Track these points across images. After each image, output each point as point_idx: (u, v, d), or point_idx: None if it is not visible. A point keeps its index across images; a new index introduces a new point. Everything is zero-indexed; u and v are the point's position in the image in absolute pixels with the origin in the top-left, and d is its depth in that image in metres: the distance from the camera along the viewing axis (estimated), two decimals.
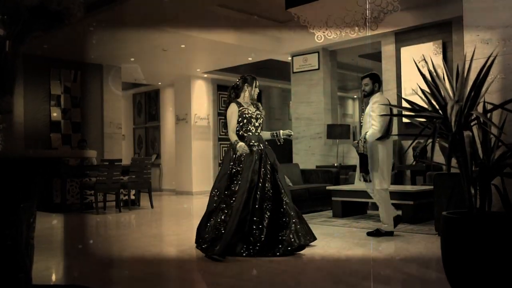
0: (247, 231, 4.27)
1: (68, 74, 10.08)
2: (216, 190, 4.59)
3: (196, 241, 4.60)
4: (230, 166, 4.55)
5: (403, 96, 7.87)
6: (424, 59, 4.10)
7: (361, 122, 5.67)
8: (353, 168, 8.06)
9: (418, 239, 5.00)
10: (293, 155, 9.86)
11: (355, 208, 6.91)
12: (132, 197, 8.91)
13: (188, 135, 12.20)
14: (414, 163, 7.55)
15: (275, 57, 10.50)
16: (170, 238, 5.83)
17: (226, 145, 11.68)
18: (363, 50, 10.08)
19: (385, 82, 8.51)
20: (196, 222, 4.68)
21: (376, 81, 5.17)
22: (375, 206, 5.74)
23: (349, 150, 8.85)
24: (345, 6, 5.92)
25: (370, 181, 5.04)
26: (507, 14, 3.39)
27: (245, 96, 4.77)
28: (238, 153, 4.51)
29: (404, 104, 6.06)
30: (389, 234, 5.11)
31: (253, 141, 4.60)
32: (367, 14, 5.90)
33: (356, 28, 6.15)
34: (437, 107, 3.04)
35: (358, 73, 8.72)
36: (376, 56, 9.69)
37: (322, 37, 6.54)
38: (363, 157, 5.02)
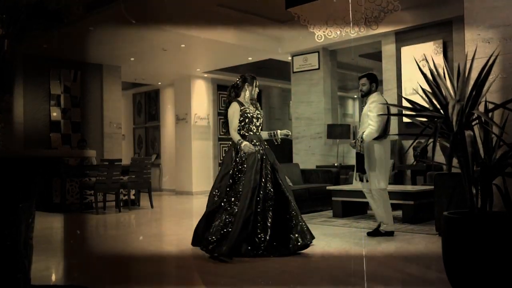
0: (251, 231, 4.24)
1: (68, 74, 10.07)
2: (216, 190, 4.54)
3: (194, 242, 4.53)
4: (232, 166, 4.50)
5: (403, 96, 7.86)
6: (425, 59, 4.08)
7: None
8: (353, 168, 8.04)
9: (418, 239, 4.99)
10: (293, 155, 9.85)
11: (355, 208, 6.90)
12: (132, 197, 8.90)
13: (188, 135, 12.19)
14: (414, 163, 7.54)
15: (275, 57, 10.48)
16: (170, 238, 5.82)
17: (226, 145, 11.67)
18: (363, 49, 10.07)
19: (386, 81, 8.50)
20: (196, 222, 4.66)
21: (374, 81, 5.17)
22: None
23: (349, 150, 8.83)
24: (345, 5, 5.91)
25: (367, 181, 5.04)
26: (508, 13, 3.38)
27: (245, 95, 4.73)
28: (243, 152, 4.46)
29: (405, 103, 6.05)
30: (389, 234, 5.10)
31: (254, 141, 4.56)
32: (365, 14, 5.89)
33: (357, 28, 6.14)
34: (438, 106, 3.02)
35: (358, 73, 8.70)
36: (377, 56, 9.68)
37: (322, 36, 6.53)
38: (360, 157, 5.02)
